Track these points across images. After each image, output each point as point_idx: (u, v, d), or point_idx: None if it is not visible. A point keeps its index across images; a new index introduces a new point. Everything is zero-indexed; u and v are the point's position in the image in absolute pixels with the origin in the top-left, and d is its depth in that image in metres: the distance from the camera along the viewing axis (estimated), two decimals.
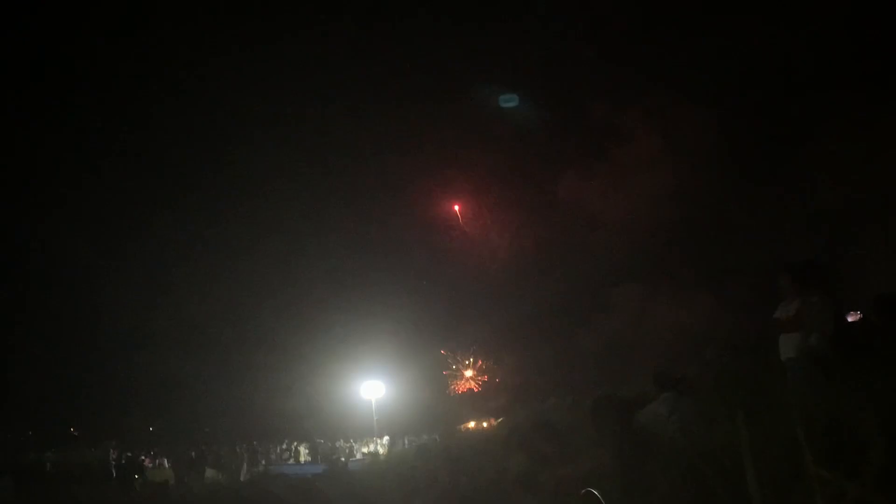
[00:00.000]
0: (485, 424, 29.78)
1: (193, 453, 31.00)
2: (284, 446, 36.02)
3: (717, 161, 30.96)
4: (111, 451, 30.84)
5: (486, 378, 40.91)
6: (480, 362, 40.73)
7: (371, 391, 36.07)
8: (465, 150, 41.57)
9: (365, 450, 35.00)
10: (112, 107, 40.22)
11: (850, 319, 10.17)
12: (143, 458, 29.99)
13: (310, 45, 40.40)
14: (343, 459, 31.93)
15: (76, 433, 42.00)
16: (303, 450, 35.07)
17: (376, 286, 38.16)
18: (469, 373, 40.71)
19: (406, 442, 33.36)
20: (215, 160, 41.29)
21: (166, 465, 30.10)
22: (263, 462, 33.14)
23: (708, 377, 9.81)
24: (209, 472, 29.58)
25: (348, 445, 36.12)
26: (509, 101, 35.78)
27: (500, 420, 29.27)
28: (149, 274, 39.29)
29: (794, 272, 7.49)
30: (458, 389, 40.59)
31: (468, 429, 30.35)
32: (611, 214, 33.69)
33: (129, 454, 30.55)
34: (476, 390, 40.42)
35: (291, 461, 33.89)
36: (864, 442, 3.59)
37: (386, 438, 35.61)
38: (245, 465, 31.11)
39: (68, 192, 40.28)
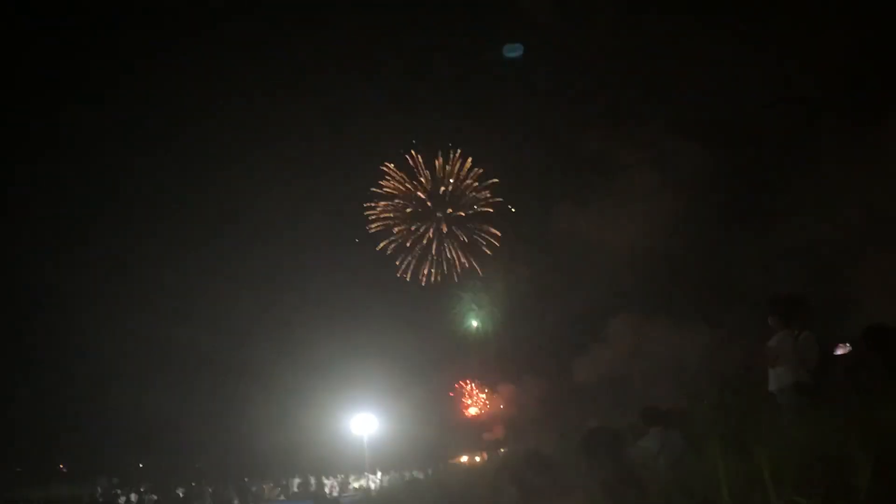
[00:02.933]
0: (477, 458, 29.55)
1: (183, 489, 30.58)
2: (272, 484, 35.61)
3: (713, 193, 31.30)
4: (97, 487, 30.40)
5: (486, 406, 40.87)
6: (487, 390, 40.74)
7: (363, 425, 35.77)
8: (459, 178, 42.00)
9: (356, 485, 34.64)
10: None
11: (839, 352, 10.20)
12: (128, 496, 29.53)
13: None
14: (335, 494, 31.55)
15: (65, 469, 41.43)
16: (293, 485, 34.67)
17: (368, 317, 38.02)
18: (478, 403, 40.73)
19: (398, 476, 33.03)
20: (201, 193, 41.18)
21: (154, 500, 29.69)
22: (257, 492, 32.79)
23: (698, 410, 9.81)
24: None
25: (339, 480, 35.72)
26: (513, 50, 35.67)
27: (493, 453, 29.08)
28: (139, 308, 39.02)
29: (779, 307, 7.56)
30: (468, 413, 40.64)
31: (461, 462, 30.09)
32: (607, 246, 33.86)
33: (118, 491, 30.13)
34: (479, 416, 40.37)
35: (282, 497, 33.50)
36: (848, 471, 3.60)
37: (378, 473, 35.26)
38: (235, 501, 30.73)
39: (55, 229, 40.13)
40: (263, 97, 40.59)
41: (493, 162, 41.01)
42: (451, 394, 40.77)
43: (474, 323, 40.13)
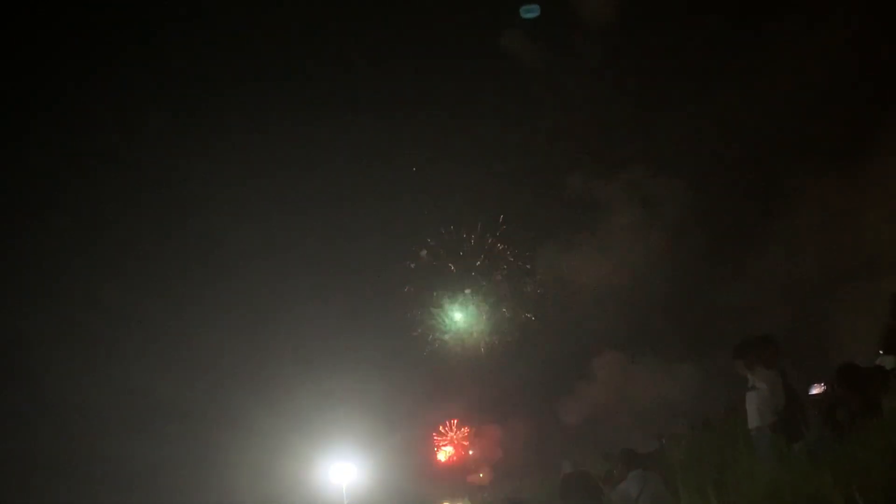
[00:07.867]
0: None
1: None
2: None
3: (697, 234, 31.75)
4: None
5: (467, 448, 40.30)
6: (466, 429, 40.12)
7: (342, 474, 35.07)
8: (441, 224, 42.07)
9: None
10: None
11: (814, 391, 10.28)
12: None
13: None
14: None
15: None
16: None
17: (347, 361, 37.64)
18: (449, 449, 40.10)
19: None
20: (181, 241, 40.94)
21: None
22: None
23: (677, 451, 9.78)
24: None
25: None
26: (530, 11, 34.66)
27: (476, 501, 28.72)
28: (113, 353, 38.46)
29: (746, 351, 7.61)
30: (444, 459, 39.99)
31: None
32: (592, 286, 34.00)
33: None
34: (458, 459, 39.72)
35: None
36: None
37: None
38: None
39: (27, 275, 39.64)
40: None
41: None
42: (434, 439, 40.18)
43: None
